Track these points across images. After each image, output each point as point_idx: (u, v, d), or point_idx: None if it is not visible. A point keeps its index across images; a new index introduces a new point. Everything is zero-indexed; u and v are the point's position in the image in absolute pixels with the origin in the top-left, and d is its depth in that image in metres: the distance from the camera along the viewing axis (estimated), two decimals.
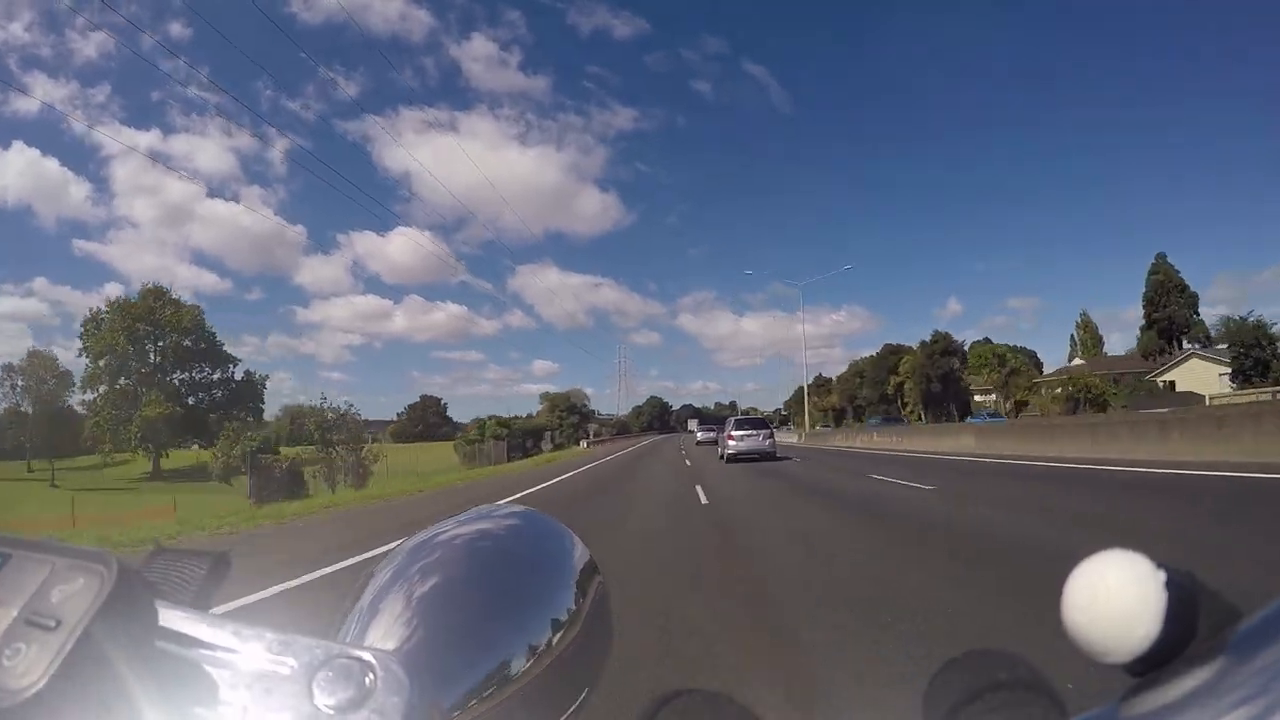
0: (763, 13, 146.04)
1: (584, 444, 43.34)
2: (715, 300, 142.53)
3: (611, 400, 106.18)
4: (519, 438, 44.11)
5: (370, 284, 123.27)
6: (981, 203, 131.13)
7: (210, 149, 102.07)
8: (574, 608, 0.38)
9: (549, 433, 57.79)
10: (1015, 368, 52.51)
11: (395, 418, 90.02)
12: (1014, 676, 0.39)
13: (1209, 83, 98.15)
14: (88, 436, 45.25)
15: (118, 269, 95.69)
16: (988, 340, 64.96)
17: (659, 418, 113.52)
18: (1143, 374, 45.72)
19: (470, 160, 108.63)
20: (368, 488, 18.72)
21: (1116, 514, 6.02)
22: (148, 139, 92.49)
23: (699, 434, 41.93)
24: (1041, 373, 55.72)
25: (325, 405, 27.96)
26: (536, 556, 0.41)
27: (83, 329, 48.72)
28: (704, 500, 8.43)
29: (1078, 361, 58.30)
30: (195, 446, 48.92)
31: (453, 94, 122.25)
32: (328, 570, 4.78)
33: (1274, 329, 38.14)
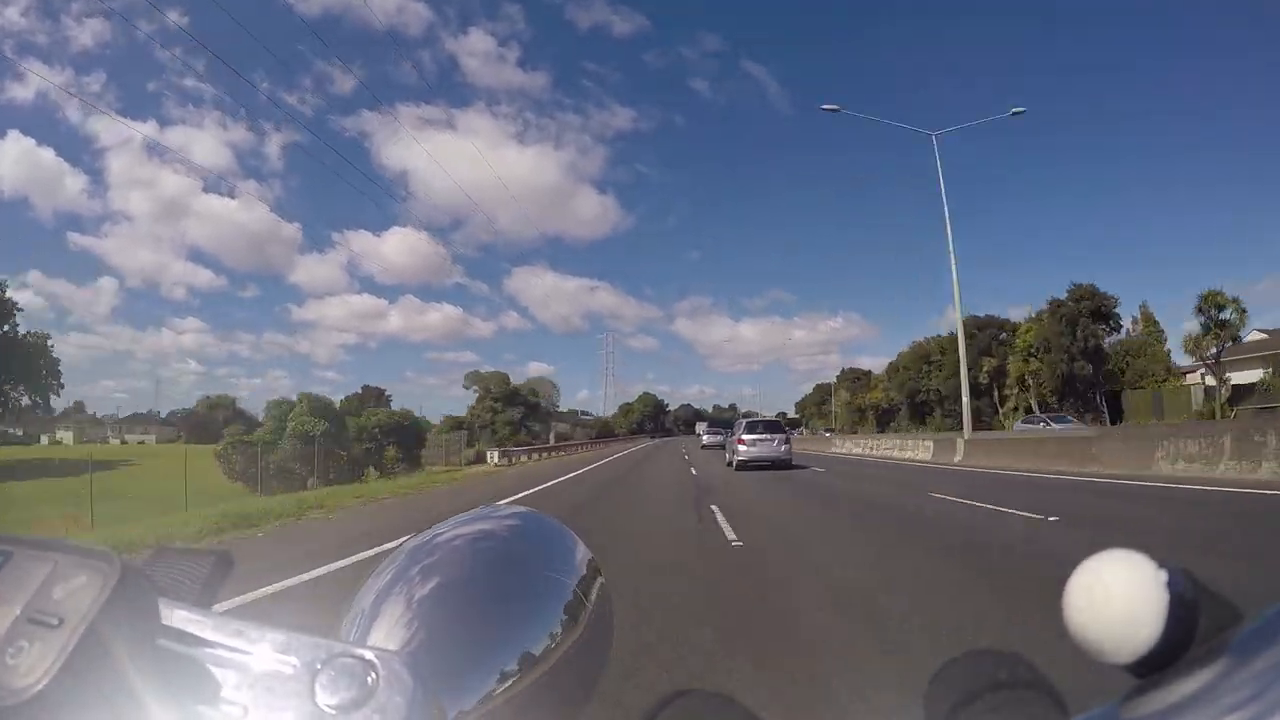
0: (761, 10, 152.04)
1: (494, 458, 27.50)
2: (712, 306, 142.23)
3: (609, 400, 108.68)
4: (375, 441, 27.70)
5: (365, 283, 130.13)
6: (980, 204, 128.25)
7: (207, 142, 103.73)
8: (576, 608, 0.39)
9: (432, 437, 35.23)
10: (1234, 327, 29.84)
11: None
12: (1014, 676, 0.40)
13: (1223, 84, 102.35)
14: None
15: (112, 263, 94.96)
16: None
17: (653, 418, 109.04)
18: None
19: (468, 158, 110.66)
20: None
21: None
22: (144, 130, 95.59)
23: (705, 437, 41.45)
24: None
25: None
26: (538, 557, 0.42)
27: None
28: (732, 536, 6.38)
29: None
30: None
31: (451, 90, 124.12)
32: None
33: None
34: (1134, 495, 8.39)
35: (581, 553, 0.43)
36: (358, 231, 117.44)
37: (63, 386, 41.49)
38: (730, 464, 18.50)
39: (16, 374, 35.61)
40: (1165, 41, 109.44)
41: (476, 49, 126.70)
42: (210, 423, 68.42)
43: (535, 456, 29.63)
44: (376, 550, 5.53)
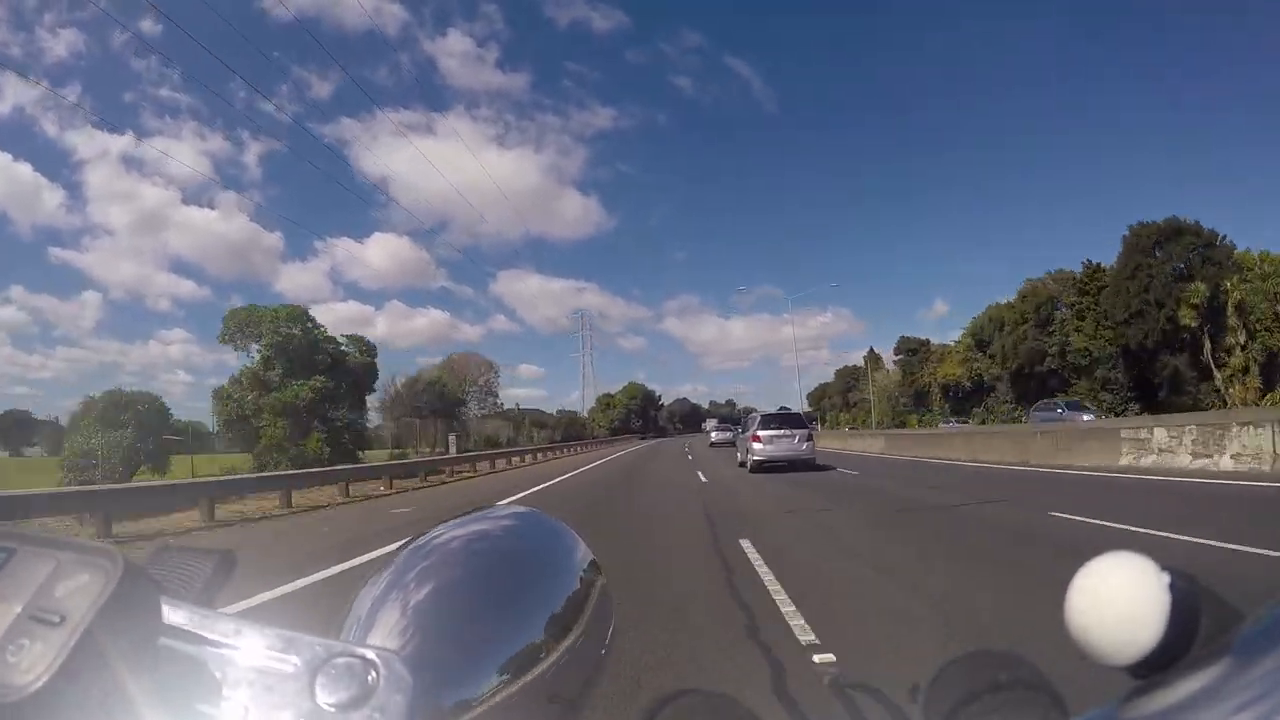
0: (743, 5, 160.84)
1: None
2: (700, 304, 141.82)
3: (589, 394, 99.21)
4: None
5: (350, 290, 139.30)
6: (969, 200, 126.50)
7: (185, 153, 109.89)
8: (576, 607, 0.40)
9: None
10: None
11: None
12: (1014, 676, 0.41)
13: (1200, 85, 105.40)
14: None
15: (95, 276, 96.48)
16: None
17: (641, 413, 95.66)
18: None
19: (449, 162, 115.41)
20: None
21: None
22: (121, 143, 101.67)
23: (714, 434, 41.96)
24: None
25: None
26: (539, 556, 0.43)
27: None
28: (805, 635, 3.36)
29: None
30: None
31: (429, 94, 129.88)
32: None
33: None
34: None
35: (582, 552, 0.44)
36: (340, 238, 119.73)
37: None
38: (744, 464, 17.32)
39: None
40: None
41: (455, 50, 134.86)
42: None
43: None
44: None
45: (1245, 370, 30.10)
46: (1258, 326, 31.22)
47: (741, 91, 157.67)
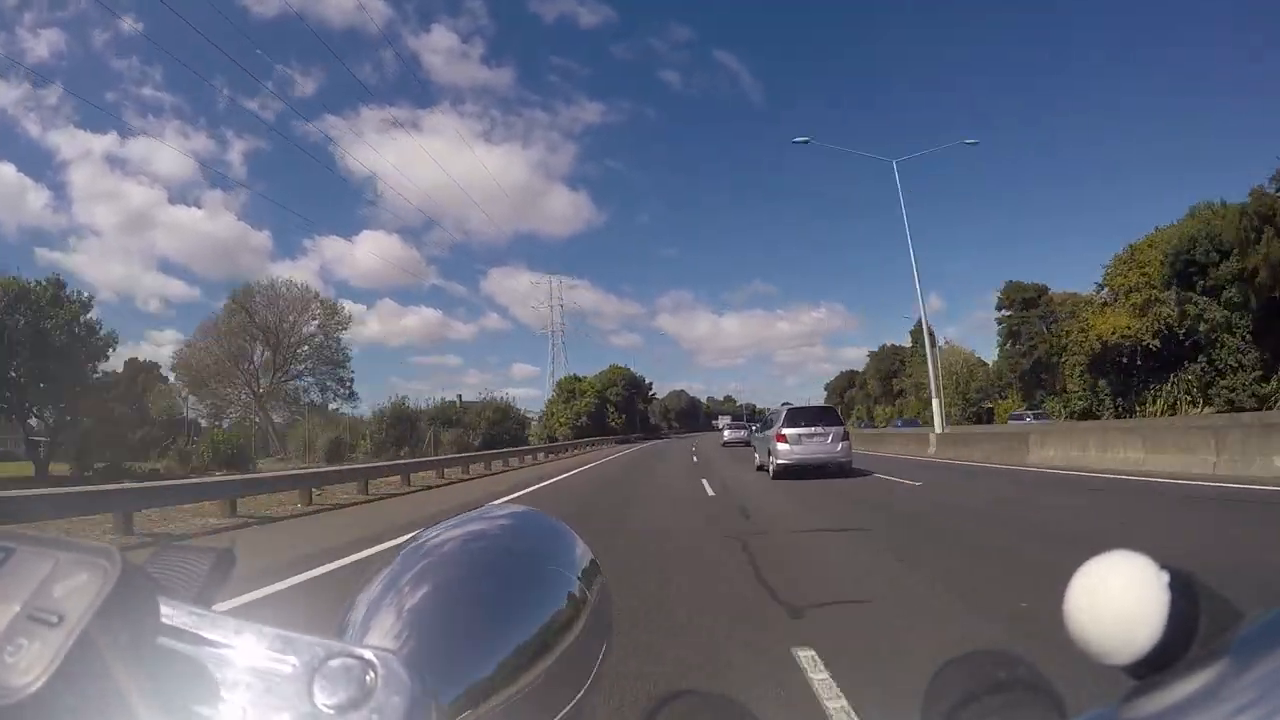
0: None
1: None
2: (694, 300, 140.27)
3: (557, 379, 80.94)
4: None
5: (341, 289, 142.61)
6: (960, 193, 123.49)
7: (169, 153, 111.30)
8: (575, 606, 0.42)
9: None
10: None
11: None
12: (1014, 677, 0.42)
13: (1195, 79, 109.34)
14: None
15: (83, 277, 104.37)
16: None
17: (625, 405, 74.53)
18: None
19: (436, 159, 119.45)
20: None
21: None
22: (104, 142, 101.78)
23: (726, 434, 40.90)
24: None
25: None
26: (538, 555, 0.44)
27: None
28: None
29: None
30: None
31: (414, 90, 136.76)
32: None
33: None
34: None
35: (581, 551, 0.46)
36: (329, 237, 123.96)
37: None
38: (764, 468, 15.64)
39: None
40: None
41: (440, 46, 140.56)
42: None
43: None
44: None
45: None
46: None
47: (730, 85, 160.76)
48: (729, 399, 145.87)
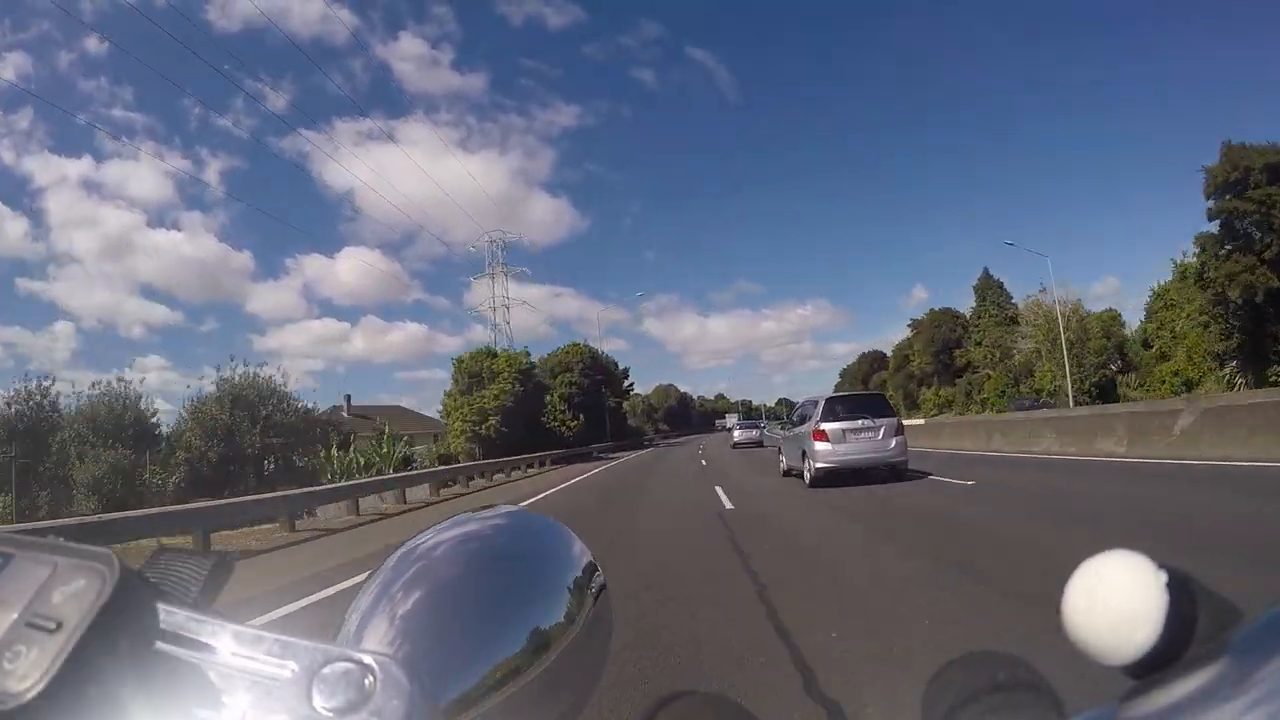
0: None
1: None
2: (679, 302, 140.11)
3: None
4: None
5: (325, 307, 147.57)
6: (943, 184, 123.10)
7: (145, 175, 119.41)
8: (574, 607, 0.43)
9: None
10: None
11: None
12: (1013, 677, 0.44)
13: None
14: None
15: (66, 306, 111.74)
16: None
17: (587, 402, 50.50)
18: None
19: (412, 170, 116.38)
20: None
21: None
22: (79, 167, 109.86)
23: (737, 433, 39.44)
24: None
25: None
26: (536, 556, 0.46)
27: None
28: None
29: None
30: None
31: (386, 101, 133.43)
32: None
33: None
34: None
35: (580, 551, 0.47)
36: (310, 255, 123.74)
37: None
38: (790, 473, 14.18)
39: None
40: None
41: (409, 54, 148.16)
42: None
43: None
44: None
45: None
46: None
47: (705, 81, 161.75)
48: (721, 397, 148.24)
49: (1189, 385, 37.79)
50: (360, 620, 0.40)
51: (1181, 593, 0.31)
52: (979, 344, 57.15)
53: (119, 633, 0.27)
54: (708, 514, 9.78)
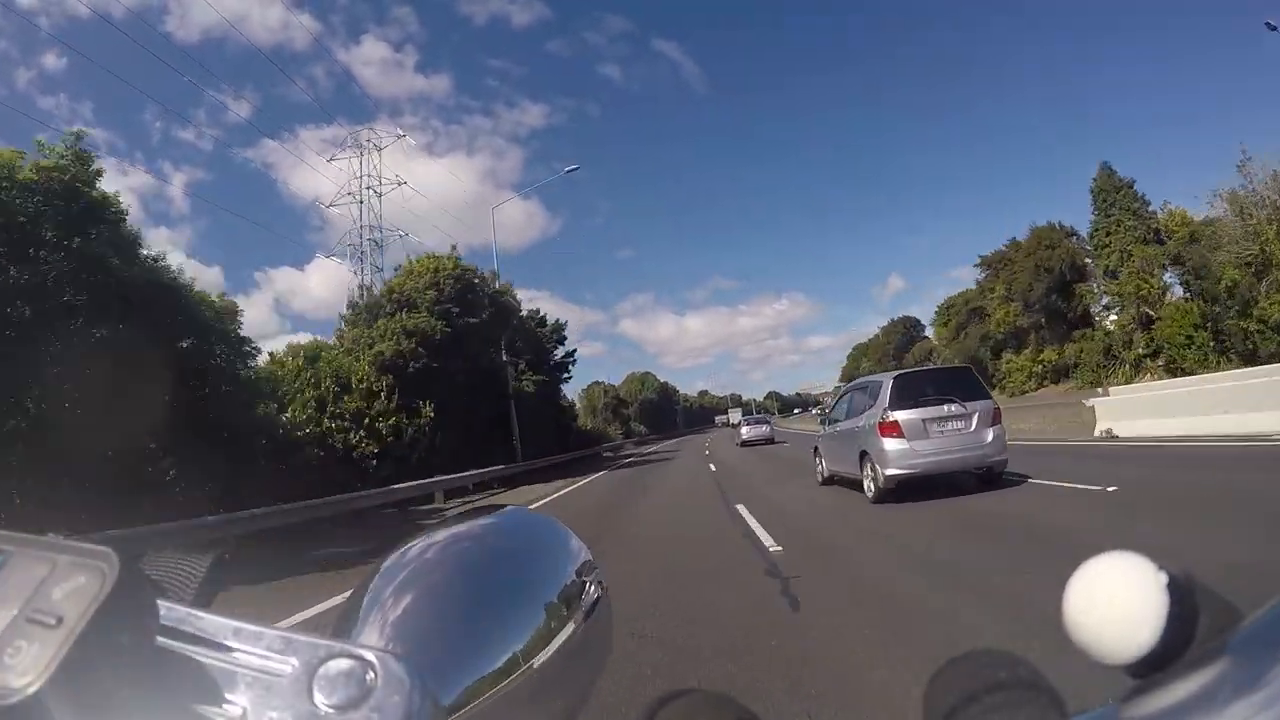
0: None
1: None
2: (655, 302, 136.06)
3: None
4: None
5: (298, 321, 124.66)
6: (915, 172, 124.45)
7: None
8: (572, 604, 0.45)
9: None
10: None
11: None
12: (1014, 676, 0.44)
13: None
14: None
15: None
16: None
17: (485, 384, 23.80)
18: None
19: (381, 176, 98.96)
20: None
21: None
22: None
23: (745, 430, 36.05)
24: None
25: None
26: (535, 555, 0.46)
27: None
28: None
29: None
30: None
31: (349, 106, 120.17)
32: None
33: None
34: None
35: (579, 550, 0.48)
36: (280, 269, 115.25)
37: None
38: (832, 480, 11.33)
39: None
40: None
41: (372, 58, 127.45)
42: None
43: None
44: None
45: None
46: None
47: (673, 75, 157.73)
48: (705, 393, 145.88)
49: None
50: (361, 616, 0.42)
51: (1182, 593, 0.32)
52: (1113, 271, 40.13)
53: (119, 628, 0.27)
54: (748, 572, 5.58)
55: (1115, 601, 0.31)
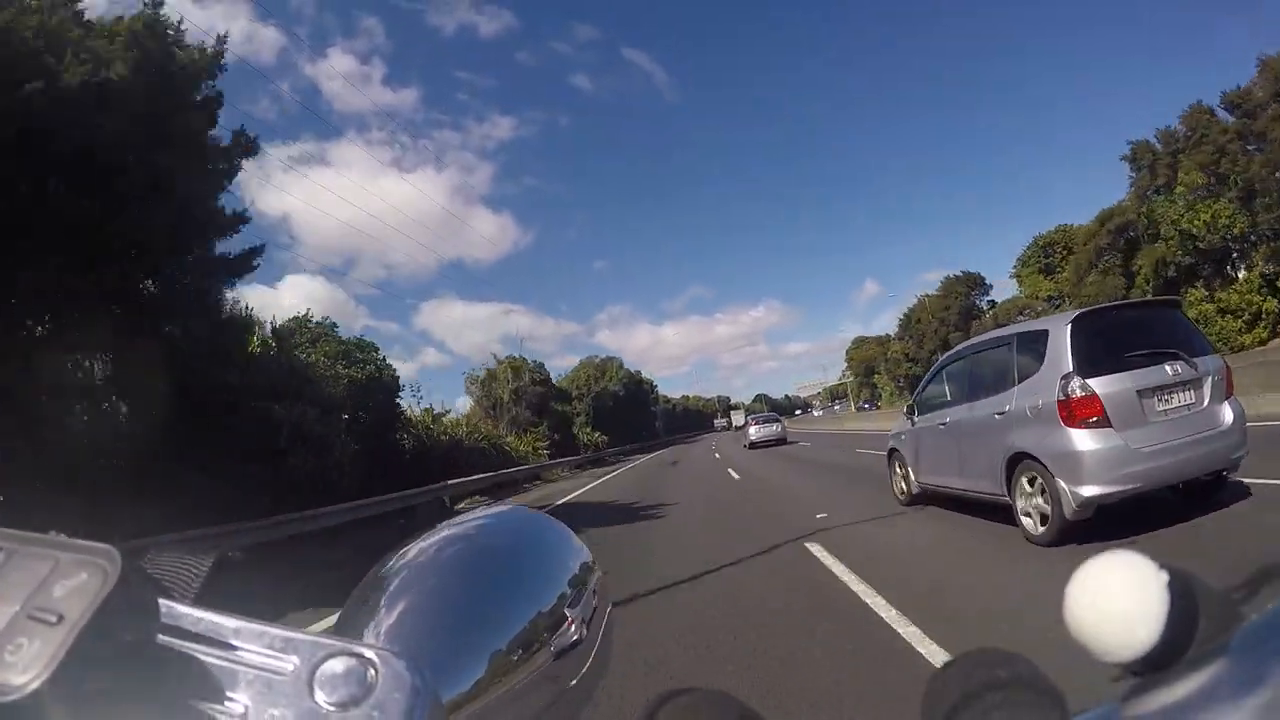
0: None
1: None
2: (632, 313, 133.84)
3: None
4: None
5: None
6: (890, 177, 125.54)
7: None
8: (573, 603, 0.45)
9: None
10: None
11: None
12: (1014, 676, 0.43)
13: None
14: None
15: None
16: None
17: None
18: None
19: (348, 192, 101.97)
20: None
21: None
22: None
23: (753, 430, 32.11)
24: None
25: None
26: (536, 554, 0.47)
27: None
28: None
29: None
30: None
31: (316, 121, 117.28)
32: None
33: None
34: None
35: (579, 549, 0.49)
36: (252, 286, 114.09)
37: None
38: (940, 495, 7.22)
39: None
40: None
41: (338, 71, 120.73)
42: None
43: None
44: None
45: None
46: None
47: (643, 83, 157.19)
48: (689, 396, 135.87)
49: None
50: (362, 614, 0.42)
51: (1182, 593, 0.32)
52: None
53: (120, 626, 0.28)
54: None
55: (1115, 601, 0.31)
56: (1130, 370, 4.98)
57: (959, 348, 7.31)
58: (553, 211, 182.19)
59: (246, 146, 11.55)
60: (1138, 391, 4.89)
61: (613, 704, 3.01)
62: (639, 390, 63.51)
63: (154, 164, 9.44)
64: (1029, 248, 50.73)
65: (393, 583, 0.42)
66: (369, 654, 0.31)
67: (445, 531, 0.47)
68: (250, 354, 13.38)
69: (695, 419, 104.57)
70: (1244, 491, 5.44)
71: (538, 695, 0.40)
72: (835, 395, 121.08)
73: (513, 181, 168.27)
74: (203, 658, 0.30)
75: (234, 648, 0.31)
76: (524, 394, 34.62)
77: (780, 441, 29.42)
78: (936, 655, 3.22)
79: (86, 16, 10.01)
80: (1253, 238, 30.95)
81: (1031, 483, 5.26)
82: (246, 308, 13.70)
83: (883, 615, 3.89)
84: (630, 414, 57.75)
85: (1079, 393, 4.89)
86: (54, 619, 0.26)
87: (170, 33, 10.74)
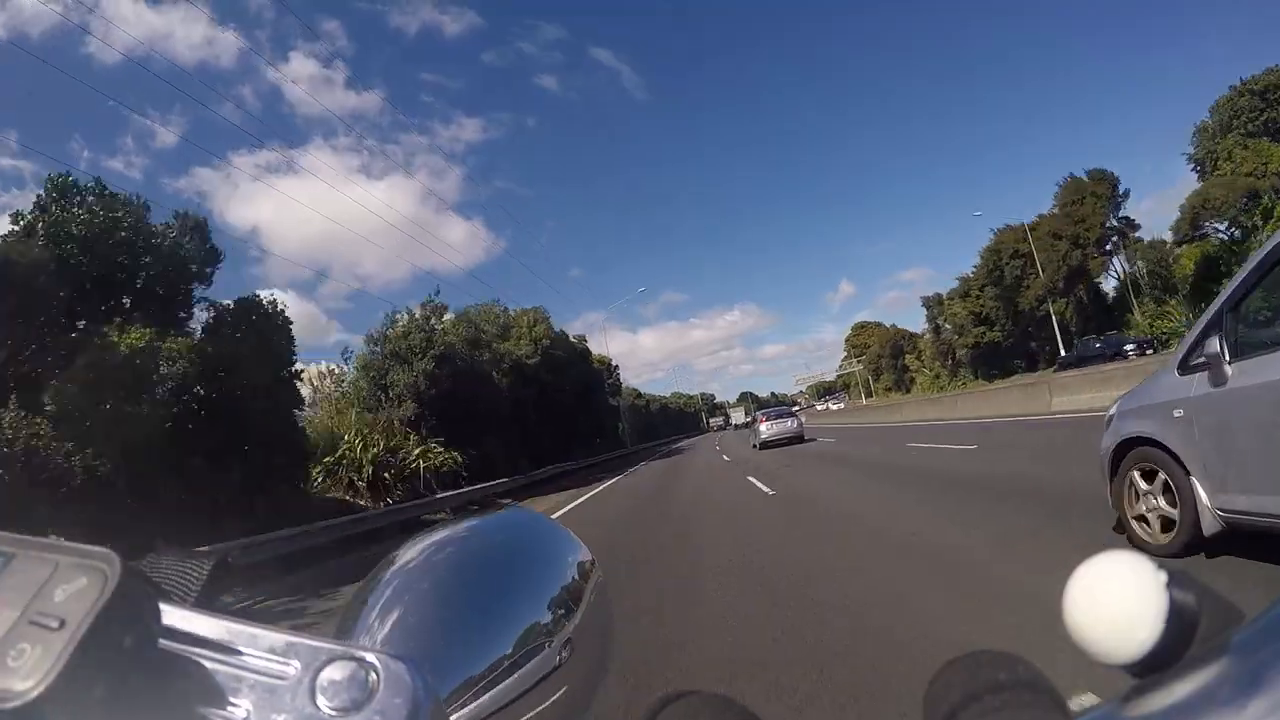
0: None
1: None
2: (605, 320, 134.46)
3: None
4: None
5: None
6: (862, 178, 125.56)
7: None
8: (574, 606, 0.45)
9: None
10: None
11: None
12: (1014, 676, 0.44)
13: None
14: None
15: None
16: None
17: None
18: None
19: (316, 202, 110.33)
20: None
21: None
22: None
23: (764, 427, 26.64)
24: None
25: None
26: (536, 556, 0.47)
27: None
28: None
29: None
30: None
31: (280, 127, 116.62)
32: None
33: None
34: None
35: (579, 551, 0.49)
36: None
37: None
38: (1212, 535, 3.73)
39: None
40: None
41: (300, 75, 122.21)
42: None
43: None
44: None
45: None
46: None
47: (611, 82, 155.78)
48: (676, 393, 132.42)
49: None
50: (362, 618, 0.42)
51: (1182, 593, 0.32)
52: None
53: (122, 631, 0.28)
54: None
55: (1115, 601, 0.31)
56: None
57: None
58: (523, 215, 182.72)
59: None
60: None
61: None
62: (587, 369, 41.09)
63: None
64: (1221, 101, 36.33)
65: (392, 585, 0.42)
66: (370, 658, 0.31)
67: (444, 533, 0.47)
68: None
69: (676, 421, 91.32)
70: None
71: (539, 696, 0.40)
72: (824, 391, 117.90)
73: (483, 185, 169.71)
74: (204, 662, 0.30)
75: (235, 652, 0.31)
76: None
77: (798, 439, 24.31)
78: None
79: None
80: None
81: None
82: None
83: None
84: (565, 407, 34.73)
85: None
86: (55, 624, 0.26)
87: None
